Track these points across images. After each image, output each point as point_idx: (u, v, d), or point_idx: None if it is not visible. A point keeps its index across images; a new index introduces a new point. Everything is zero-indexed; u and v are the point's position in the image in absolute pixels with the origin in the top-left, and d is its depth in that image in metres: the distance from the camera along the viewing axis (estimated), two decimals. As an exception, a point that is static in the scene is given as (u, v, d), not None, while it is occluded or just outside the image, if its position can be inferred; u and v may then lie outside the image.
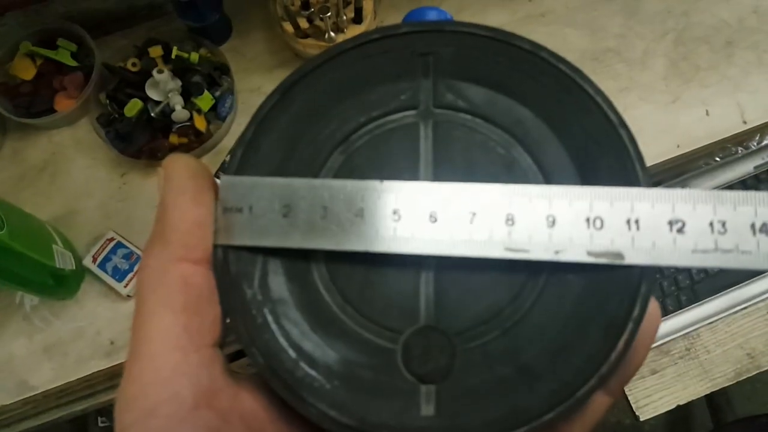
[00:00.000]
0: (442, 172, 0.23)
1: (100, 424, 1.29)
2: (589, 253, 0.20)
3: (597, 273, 0.21)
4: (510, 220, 0.21)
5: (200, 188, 0.21)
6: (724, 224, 0.20)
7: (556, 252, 0.21)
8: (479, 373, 0.22)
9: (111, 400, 0.79)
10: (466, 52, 0.24)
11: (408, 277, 0.22)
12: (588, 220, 0.21)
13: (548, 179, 0.23)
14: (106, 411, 1.26)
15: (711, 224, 0.20)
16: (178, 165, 0.22)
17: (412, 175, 0.23)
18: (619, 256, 0.20)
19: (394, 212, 0.21)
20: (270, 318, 0.22)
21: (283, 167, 0.23)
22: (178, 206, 0.21)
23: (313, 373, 0.21)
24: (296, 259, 0.22)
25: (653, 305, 0.21)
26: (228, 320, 0.22)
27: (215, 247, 0.22)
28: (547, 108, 0.23)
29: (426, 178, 0.23)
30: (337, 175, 0.23)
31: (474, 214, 0.21)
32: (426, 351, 0.22)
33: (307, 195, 0.22)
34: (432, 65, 0.24)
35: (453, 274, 0.22)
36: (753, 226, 0.20)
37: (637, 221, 0.21)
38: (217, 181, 0.22)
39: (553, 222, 0.21)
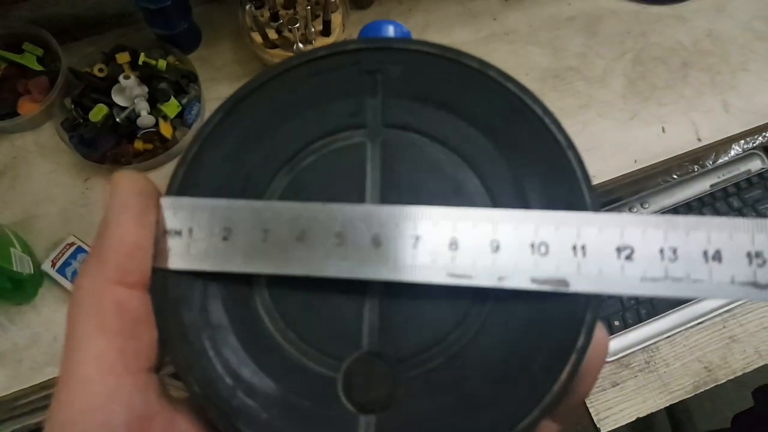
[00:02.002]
0: (389, 194, 0.23)
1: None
2: (533, 280, 0.20)
3: (542, 300, 0.20)
4: (454, 245, 0.20)
5: (145, 208, 0.21)
6: (675, 251, 0.20)
7: (500, 278, 0.20)
8: (421, 403, 0.21)
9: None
10: (415, 70, 0.23)
11: (351, 302, 0.22)
12: (533, 245, 0.20)
13: (495, 201, 0.22)
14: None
15: (661, 251, 0.20)
16: (124, 182, 0.21)
17: (359, 196, 0.23)
18: (564, 283, 0.20)
19: (337, 235, 0.21)
20: (208, 344, 0.21)
21: (226, 188, 0.22)
22: (119, 225, 0.20)
23: (250, 402, 0.21)
24: (238, 283, 0.22)
25: (600, 333, 0.20)
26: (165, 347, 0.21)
27: (154, 270, 0.21)
28: (495, 128, 0.23)
29: (373, 200, 0.23)
30: (282, 196, 0.23)
31: (418, 238, 0.21)
32: (367, 379, 0.21)
33: (248, 217, 0.21)
34: (380, 83, 0.23)
35: (398, 300, 0.22)
36: (706, 253, 0.19)
37: (583, 247, 0.20)
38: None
39: (498, 247, 0.20)
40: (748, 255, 0.19)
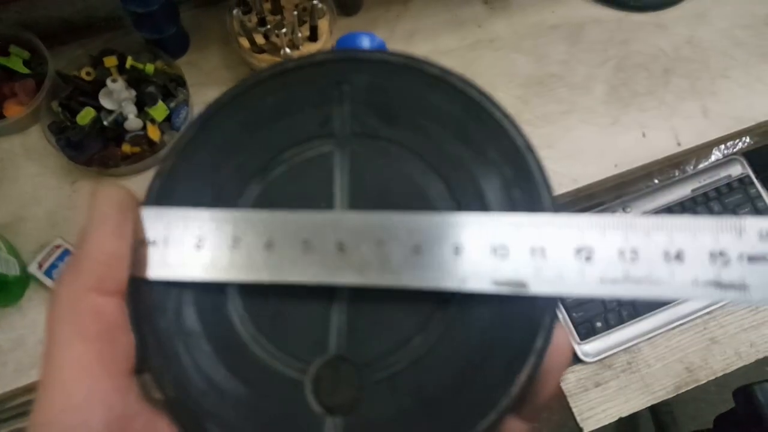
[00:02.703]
0: (357, 201, 0.23)
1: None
2: (494, 282, 0.20)
3: (502, 303, 0.21)
4: (417, 250, 0.21)
5: (123, 219, 0.22)
6: (636, 252, 0.19)
7: (462, 281, 0.20)
8: (385, 406, 0.22)
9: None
10: (380, 79, 0.24)
11: (320, 307, 0.22)
12: (493, 248, 0.20)
13: (460, 205, 0.23)
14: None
15: (621, 252, 0.19)
16: (104, 195, 0.22)
17: (328, 204, 0.23)
18: (523, 285, 0.20)
19: (305, 242, 0.21)
20: (182, 350, 0.22)
21: (200, 198, 0.23)
22: (96, 236, 0.21)
23: (221, 405, 0.21)
24: (212, 290, 0.22)
25: (560, 334, 0.21)
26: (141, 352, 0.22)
27: (131, 279, 0.21)
28: (458, 133, 0.24)
29: (342, 207, 0.23)
30: (254, 205, 0.24)
31: (383, 243, 0.21)
32: (334, 382, 0.22)
33: (220, 227, 0.22)
34: (347, 93, 0.24)
35: (365, 304, 0.22)
36: (667, 253, 0.19)
37: (542, 249, 0.20)
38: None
39: (459, 251, 0.21)
40: (712, 255, 0.19)
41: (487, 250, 0.20)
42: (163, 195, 0.23)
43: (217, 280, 0.22)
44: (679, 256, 0.19)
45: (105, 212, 0.21)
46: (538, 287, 0.20)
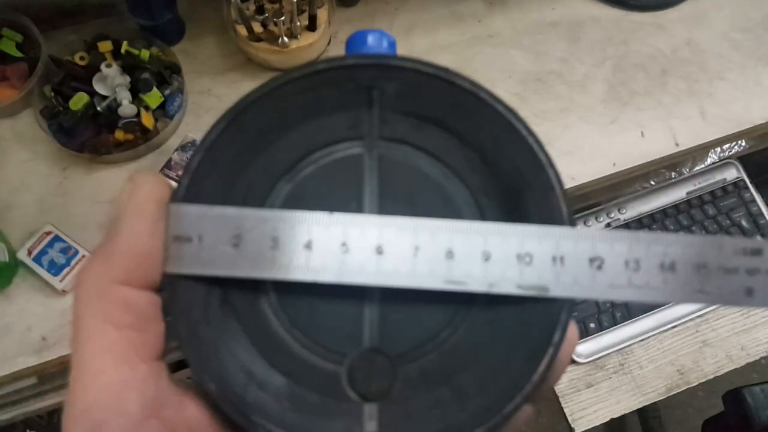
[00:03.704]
0: (386, 204, 0.24)
1: (28, 438, 1.23)
2: (519, 287, 0.22)
3: (523, 303, 0.22)
4: (450, 255, 0.22)
5: (158, 216, 0.21)
6: (638, 262, 0.22)
7: (490, 285, 0.22)
8: (417, 392, 0.23)
9: (40, 409, 0.76)
10: (410, 87, 0.24)
11: (353, 304, 0.24)
12: (519, 256, 0.22)
13: (483, 214, 0.25)
14: (35, 424, 1.21)
15: (626, 262, 0.22)
16: (146, 185, 0.21)
17: (358, 205, 0.24)
18: (545, 289, 0.22)
19: (343, 244, 0.22)
20: (220, 344, 0.22)
21: (229, 195, 0.23)
22: (132, 231, 0.20)
23: (262, 396, 0.22)
24: (245, 287, 0.23)
25: (571, 330, 0.23)
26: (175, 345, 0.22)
27: (164, 275, 0.21)
28: (483, 145, 0.24)
29: (371, 209, 0.24)
30: (285, 204, 0.24)
31: (417, 248, 0.22)
32: (369, 372, 0.23)
33: (257, 225, 0.22)
34: (377, 98, 0.25)
35: (395, 301, 0.24)
36: (662, 265, 0.22)
37: (562, 258, 0.22)
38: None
39: (489, 257, 0.22)
40: (696, 266, 0.22)
41: (513, 258, 0.22)
42: (191, 191, 0.22)
43: (254, 278, 0.22)
44: (671, 267, 0.22)
45: (143, 206, 0.21)
46: (558, 291, 0.22)
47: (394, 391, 0.23)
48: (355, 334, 0.24)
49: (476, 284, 0.22)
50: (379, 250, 0.22)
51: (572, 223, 0.23)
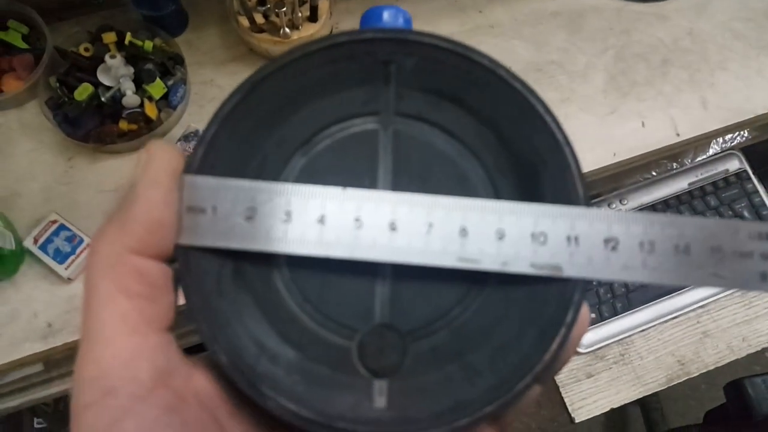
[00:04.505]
0: (400, 181, 0.24)
1: (36, 426, 1.25)
2: (532, 266, 0.22)
3: (536, 282, 0.22)
4: (463, 232, 0.22)
5: (173, 186, 0.21)
6: (652, 244, 0.22)
7: (504, 263, 0.22)
8: (427, 369, 0.23)
9: (46, 397, 0.77)
10: (428, 63, 0.24)
11: (365, 279, 0.24)
12: (533, 235, 0.22)
13: (498, 192, 0.24)
14: (42, 411, 1.23)
15: (641, 244, 0.22)
16: (161, 155, 0.21)
17: (372, 181, 0.24)
18: (559, 269, 0.22)
19: (356, 220, 0.22)
20: (232, 316, 0.22)
21: (243, 168, 0.23)
22: (147, 200, 0.20)
23: (273, 368, 0.22)
24: (258, 260, 0.23)
25: (584, 311, 0.23)
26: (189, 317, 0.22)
27: (177, 246, 0.21)
28: (500, 123, 0.24)
29: (385, 185, 0.24)
30: (299, 178, 0.24)
31: (431, 225, 0.22)
32: (380, 348, 0.23)
33: (271, 199, 0.22)
34: (394, 73, 0.24)
35: (406, 277, 0.24)
36: (677, 247, 0.22)
37: (576, 238, 0.22)
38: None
39: (503, 236, 0.22)
40: (711, 250, 0.22)
41: (528, 236, 0.22)
42: (206, 163, 0.22)
43: (268, 251, 0.22)
44: (685, 250, 0.22)
45: (157, 176, 0.21)
46: (571, 271, 0.22)
47: (404, 368, 0.23)
48: (367, 310, 0.24)
49: (489, 262, 0.22)
50: (393, 227, 0.22)
51: (588, 203, 0.23)
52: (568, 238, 0.22)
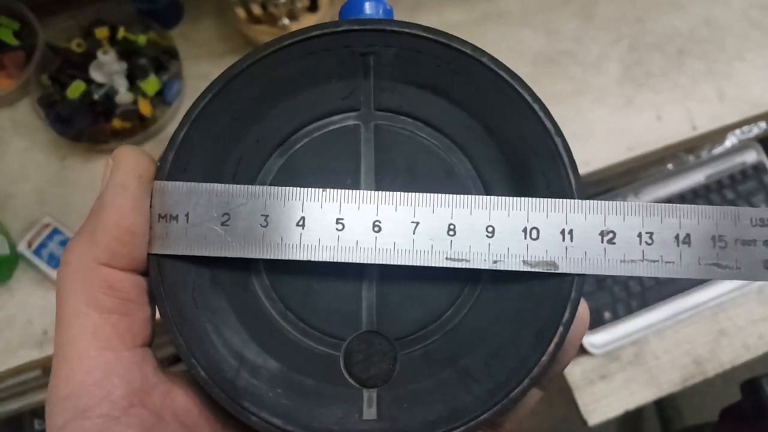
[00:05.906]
0: (383, 179, 0.23)
1: (37, 427, 1.24)
2: (525, 263, 0.21)
3: (531, 280, 0.22)
4: (451, 231, 0.21)
5: (143, 192, 0.21)
6: (651, 236, 0.21)
7: (495, 261, 0.21)
8: (419, 376, 0.22)
9: (44, 400, 0.76)
10: (407, 53, 0.23)
11: (350, 284, 0.23)
12: (525, 230, 0.21)
13: (486, 186, 0.23)
14: (42, 412, 1.22)
15: (639, 235, 0.21)
16: (128, 160, 0.21)
17: (354, 180, 0.23)
18: (554, 265, 0.21)
19: (338, 221, 0.21)
20: (209, 327, 0.21)
21: (217, 171, 0.22)
22: (115, 208, 0.20)
23: (255, 381, 0.21)
24: (235, 267, 0.22)
25: (582, 308, 0.22)
26: (168, 330, 0.21)
27: (150, 255, 0.21)
28: (486, 114, 0.23)
29: (367, 184, 0.23)
30: (276, 178, 0.23)
31: (417, 224, 0.21)
32: (368, 356, 0.22)
33: (247, 202, 0.21)
34: (373, 66, 0.23)
35: (394, 281, 0.23)
36: (677, 237, 0.21)
37: (570, 232, 0.21)
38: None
39: (492, 232, 0.21)
40: (713, 239, 0.21)
41: (519, 232, 0.21)
42: (178, 167, 0.21)
43: (246, 257, 0.21)
44: (686, 240, 0.21)
45: (126, 182, 0.20)
46: (567, 267, 0.21)
47: (395, 376, 0.22)
48: (353, 317, 0.23)
49: (480, 261, 0.21)
50: (377, 227, 0.21)
51: (581, 195, 0.22)
52: (562, 232, 0.21)
